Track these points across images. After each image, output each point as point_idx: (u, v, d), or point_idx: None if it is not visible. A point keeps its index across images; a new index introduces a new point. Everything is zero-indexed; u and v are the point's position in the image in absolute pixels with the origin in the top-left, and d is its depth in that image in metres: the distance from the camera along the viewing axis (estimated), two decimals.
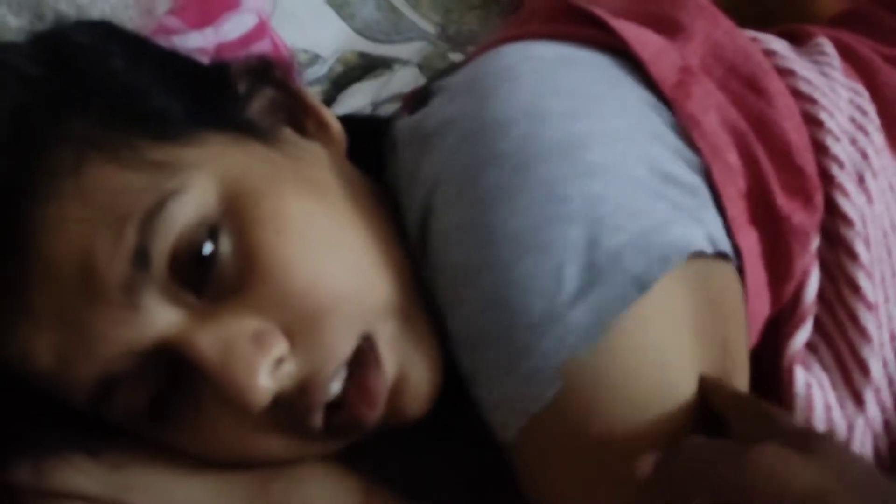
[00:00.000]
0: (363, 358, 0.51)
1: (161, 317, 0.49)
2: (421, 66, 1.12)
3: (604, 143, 0.52)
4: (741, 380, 0.55)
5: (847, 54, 0.68)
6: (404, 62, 1.07)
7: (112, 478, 0.53)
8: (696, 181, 0.54)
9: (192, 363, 0.49)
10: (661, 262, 0.49)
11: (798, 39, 0.70)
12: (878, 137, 0.62)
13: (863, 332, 0.57)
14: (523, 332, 0.49)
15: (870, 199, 0.60)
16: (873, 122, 0.63)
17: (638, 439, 0.49)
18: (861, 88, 0.65)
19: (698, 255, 0.51)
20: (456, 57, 1.09)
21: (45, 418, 0.53)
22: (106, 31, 0.58)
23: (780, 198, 0.56)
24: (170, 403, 0.51)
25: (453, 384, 0.55)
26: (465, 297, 0.50)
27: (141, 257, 0.48)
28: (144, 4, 0.74)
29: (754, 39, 0.66)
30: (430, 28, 1.15)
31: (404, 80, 1.05)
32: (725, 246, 0.54)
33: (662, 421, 0.50)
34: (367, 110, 0.93)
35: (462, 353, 0.52)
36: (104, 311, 0.48)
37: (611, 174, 0.51)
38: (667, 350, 0.50)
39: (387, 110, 0.94)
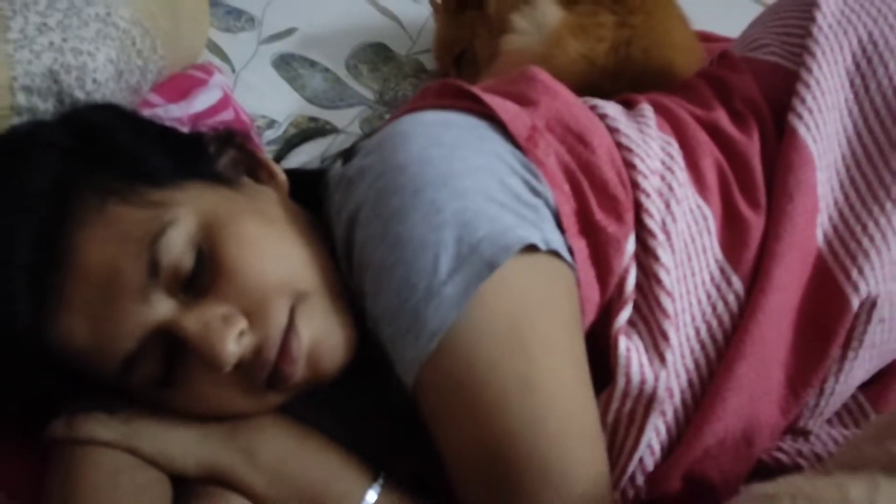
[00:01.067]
0: (288, 329, 0.72)
1: (163, 308, 0.70)
2: (362, 127, 1.33)
3: (469, 176, 0.74)
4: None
5: (666, 115, 0.91)
6: (347, 132, 1.26)
7: (124, 429, 0.73)
8: (538, 203, 0.76)
9: (182, 339, 0.70)
10: (504, 251, 0.70)
11: (629, 105, 0.93)
12: (681, 175, 0.85)
13: (664, 311, 0.79)
14: (415, 306, 0.70)
15: (674, 219, 0.82)
16: (678, 164, 0.86)
17: (502, 379, 0.70)
18: (672, 140, 0.88)
19: (534, 249, 0.72)
20: None
21: (74, 389, 0.74)
22: (113, 112, 0.80)
23: (598, 215, 0.78)
24: (170, 374, 0.72)
25: (371, 357, 0.76)
26: (383, 286, 0.71)
27: (153, 268, 0.69)
28: (132, 86, 0.95)
29: (594, 106, 0.89)
30: (369, 95, 1.37)
31: (348, 140, 1.22)
32: (559, 247, 0.75)
33: (520, 362, 0.70)
34: (317, 163, 1.13)
35: (381, 328, 0.73)
36: (125, 304, 0.69)
37: (473, 195, 0.72)
38: (515, 309, 0.71)
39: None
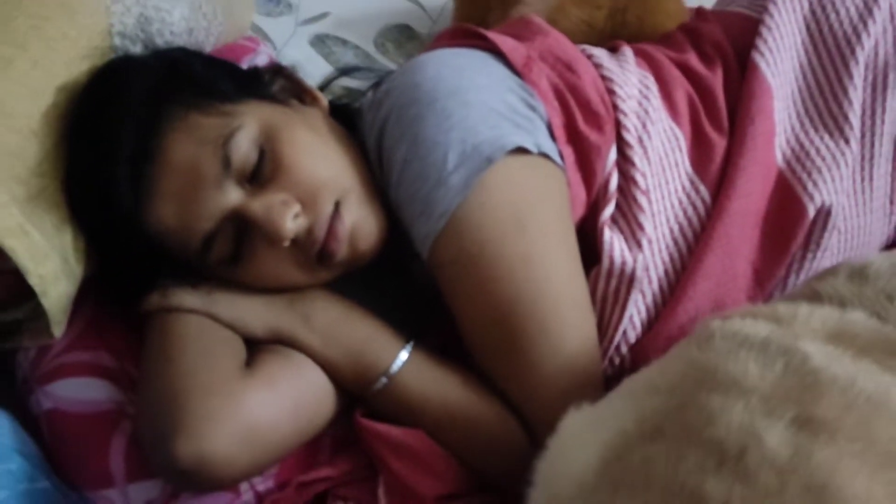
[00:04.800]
0: (334, 215, 0.90)
1: (234, 195, 0.89)
2: None
3: (474, 91, 0.92)
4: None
5: (645, 56, 1.10)
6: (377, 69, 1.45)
7: (206, 299, 0.92)
8: (533, 116, 0.94)
9: (249, 220, 0.89)
10: (500, 150, 0.88)
11: (613, 50, 1.12)
12: (656, 102, 1.03)
13: (640, 206, 0.97)
14: (427, 192, 0.88)
15: (650, 136, 1.00)
16: (653, 93, 1.04)
17: (506, 255, 0.88)
18: (648, 74, 1.07)
19: (526, 152, 0.90)
20: None
21: (167, 270, 0.93)
22: (188, 51, 1.02)
23: (582, 126, 0.97)
24: (239, 251, 0.91)
25: (400, 250, 0.95)
26: (403, 178, 0.90)
27: (226, 163, 0.88)
28: (199, 42, 1.14)
29: (583, 49, 1.08)
30: (396, 68, 1.55)
31: None
32: (550, 151, 0.92)
33: (521, 240, 0.88)
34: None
35: (403, 212, 0.91)
36: (205, 192, 0.88)
37: (477, 105, 0.91)
38: (516, 198, 0.89)
39: None
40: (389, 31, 1.63)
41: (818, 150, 1.04)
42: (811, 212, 1.00)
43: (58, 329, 0.90)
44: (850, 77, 1.05)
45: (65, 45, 0.93)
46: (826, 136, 1.05)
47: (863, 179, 1.05)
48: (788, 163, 1.04)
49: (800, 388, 0.65)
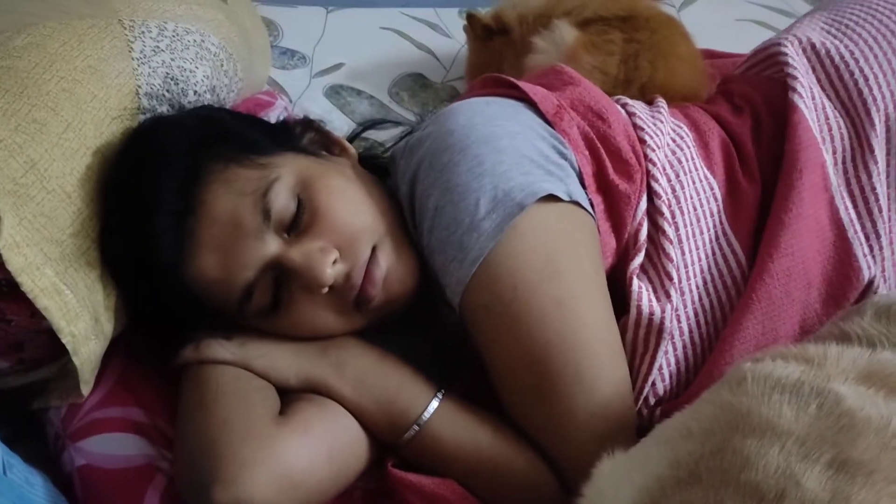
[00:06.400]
0: (371, 260, 0.93)
1: (273, 245, 0.91)
2: None
3: (506, 138, 0.95)
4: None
5: (680, 108, 1.13)
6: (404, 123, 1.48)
7: (240, 350, 0.94)
8: (564, 164, 0.96)
9: (289, 268, 0.91)
10: (531, 196, 0.90)
11: (649, 102, 1.15)
12: (689, 152, 1.05)
13: (668, 256, 0.98)
14: (459, 238, 0.90)
15: (682, 186, 1.02)
16: (687, 143, 1.06)
17: (540, 301, 0.89)
18: (683, 125, 1.08)
19: (557, 199, 0.92)
20: None
21: (201, 321, 0.95)
22: (216, 108, 1.05)
23: (613, 176, 0.99)
24: (278, 300, 0.92)
25: (431, 301, 0.97)
26: (436, 223, 0.92)
27: (266, 214, 0.91)
28: (222, 99, 1.17)
29: (617, 99, 1.10)
30: (411, 117, 1.59)
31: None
32: (581, 199, 0.94)
33: (555, 286, 0.89)
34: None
35: (435, 258, 0.93)
36: (246, 242, 0.90)
37: (509, 152, 0.93)
38: (549, 243, 0.91)
39: None
40: (403, 81, 1.66)
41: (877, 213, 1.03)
42: (866, 276, 1.00)
43: (86, 388, 0.93)
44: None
45: (94, 106, 0.96)
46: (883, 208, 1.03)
47: None
48: (852, 220, 1.02)
49: (835, 429, 0.66)
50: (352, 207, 0.94)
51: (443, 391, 0.94)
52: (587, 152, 0.99)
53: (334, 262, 0.92)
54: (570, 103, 1.03)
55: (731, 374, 0.77)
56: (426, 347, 1.00)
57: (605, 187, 0.99)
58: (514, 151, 0.94)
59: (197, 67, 1.09)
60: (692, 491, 0.67)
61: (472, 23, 1.53)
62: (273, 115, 1.38)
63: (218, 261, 0.91)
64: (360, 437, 0.93)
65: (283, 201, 0.92)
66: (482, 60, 1.55)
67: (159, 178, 0.91)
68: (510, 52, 1.49)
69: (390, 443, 0.94)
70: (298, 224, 0.92)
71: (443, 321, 1.00)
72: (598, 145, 1.00)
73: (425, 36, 1.77)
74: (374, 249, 0.94)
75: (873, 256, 1.02)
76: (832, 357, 0.75)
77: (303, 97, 1.59)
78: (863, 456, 0.64)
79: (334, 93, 1.62)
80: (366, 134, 1.36)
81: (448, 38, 1.76)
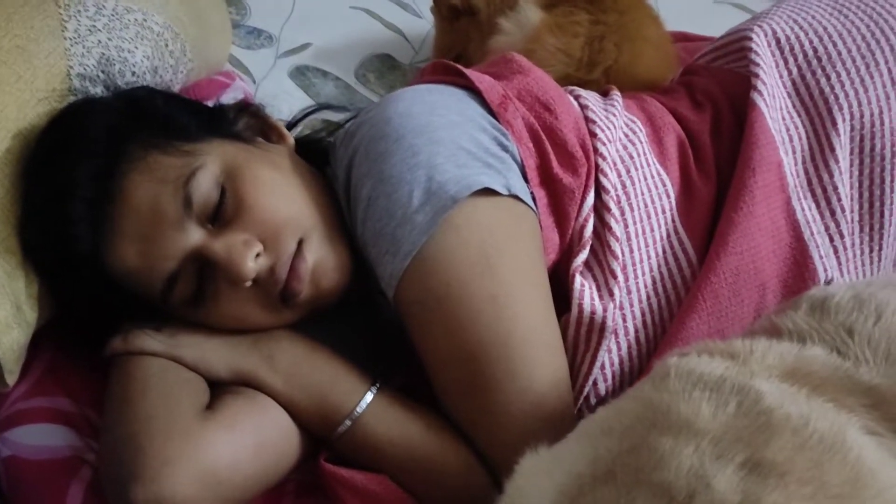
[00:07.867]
0: (297, 254, 0.91)
1: (196, 235, 0.89)
2: None
3: (445, 128, 0.92)
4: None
5: (636, 101, 1.10)
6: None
7: (169, 341, 0.92)
8: (506, 156, 0.94)
9: (211, 260, 0.89)
10: (465, 189, 0.88)
11: (604, 93, 1.12)
12: (641, 147, 1.02)
13: (613, 253, 0.95)
14: (392, 230, 0.88)
15: (633, 182, 0.99)
16: (640, 138, 1.03)
17: (473, 296, 0.87)
18: (637, 119, 1.05)
19: (495, 193, 0.89)
20: None
21: (129, 312, 0.93)
22: (150, 89, 1.03)
23: (556, 169, 0.96)
24: (202, 292, 0.91)
25: (366, 291, 0.95)
26: (369, 215, 0.90)
27: (187, 203, 0.89)
28: (166, 81, 1.15)
29: (571, 90, 1.08)
30: (376, 99, 1.55)
31: None
32: (521, 193, 0.92)
33: (489, 282, 0.87)
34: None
35: (369, 250, 0.91)
36: (167, 232, 0.88)
37: (446, 143, 0.91)
38: (484, 239, 0.88)
39: None
40: (371, 62, 1.64)
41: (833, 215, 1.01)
42: (822, 277, 0.98)
43: (11, 378, 0.91)
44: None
45: (19, 87, 0.94)
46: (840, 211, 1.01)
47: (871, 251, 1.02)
48: (811, 221, 1.00)
49: (751, 429, 0.65)
50: (278, 199, 0.92)
51: (377, 385, 0.93)
52: (531, 144, 0.97)
53: (258, 255, 0.90)
54: (517, 93, 1.01)
55: (657, 368, 0.75)
56: (365, 338, 0.99)
57: (548, 181, 0.96)
58: (452, 143, 0.91)
59: (136, 48, 1.08)
60: (606, 489, 0.66)
61: (439, 3, 1.50)
62: (229, 97, 1.36)
63: (138, 251, 0.89)
64: (290, 431, 0.91)
65: (205, 190, 0.90)
66: (448, 42, 1.52)
67: (77, 164, 0.89)
68: (476, 33, 1.47)
69: (323, 437, 0.92)
70: (222, 215, 0.91)
71: (381, 310, 0.98)
72: (543, 137, 0.98)
73: (396, 16, 1.73)
74: (301, 243, 0.92)
75: (837, 256, 0.99)
76: (759, 352, 0.73)
77: (267, 78, 1.56)
78: (776, 457, 0.62)
79: (300, 74, 1.59)
80: (322, 115, 1.34)
81: (419, 18, 1.73)
